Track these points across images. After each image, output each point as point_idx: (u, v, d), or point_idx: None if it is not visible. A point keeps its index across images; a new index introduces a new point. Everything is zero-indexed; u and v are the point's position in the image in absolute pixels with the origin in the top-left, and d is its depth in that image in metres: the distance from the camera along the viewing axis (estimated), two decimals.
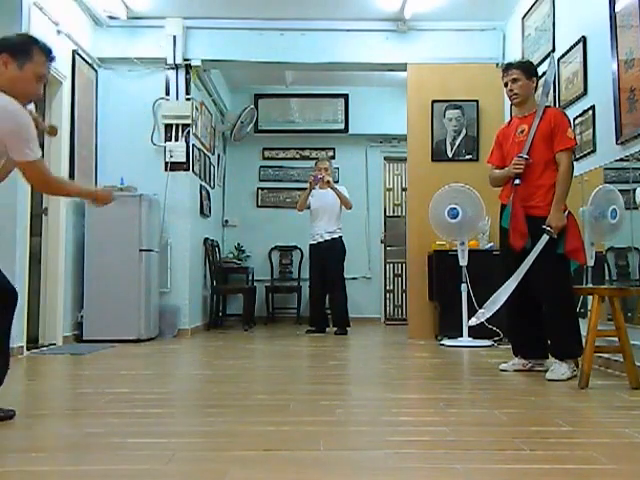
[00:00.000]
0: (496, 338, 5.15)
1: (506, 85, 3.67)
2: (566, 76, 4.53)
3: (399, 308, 8.44)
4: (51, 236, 5.18)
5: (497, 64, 5.94)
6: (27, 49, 2.29)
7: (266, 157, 8.49)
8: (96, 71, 6.00)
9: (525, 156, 3.51)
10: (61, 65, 5.23)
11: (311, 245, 6.57)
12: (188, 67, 6.12)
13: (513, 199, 3.54)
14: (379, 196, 8.52)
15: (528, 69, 3.68)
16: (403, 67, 6.08)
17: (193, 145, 6.18)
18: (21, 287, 4.50)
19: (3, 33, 4.49)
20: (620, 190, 3.64)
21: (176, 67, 6.09)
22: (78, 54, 5.53)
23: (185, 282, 6.08)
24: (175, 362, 4.56)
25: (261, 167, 8.48)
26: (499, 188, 3.77)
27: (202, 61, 6.14)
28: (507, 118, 5.34)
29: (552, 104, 4.53)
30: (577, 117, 4.28)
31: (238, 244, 8.18)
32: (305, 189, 6.67)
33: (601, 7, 3.95)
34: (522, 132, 3.60)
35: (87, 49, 5.74)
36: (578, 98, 4.32)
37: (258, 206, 8.44)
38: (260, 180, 8.45)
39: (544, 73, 4.18)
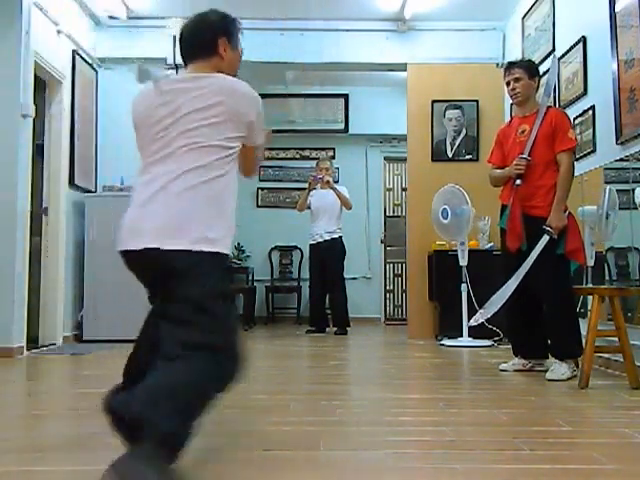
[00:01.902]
0: (496, 338, 5.15)
1: (508, 84, 3.67)
2: (566, 76, 4.53)
3: (399, 308, 8.44)
4: (51, 236, 5.18)
5: (497, 64, 5.95)
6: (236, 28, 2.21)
7: (266, 157, 8.48)
8: (96, 71, 6.00)
9: (526, 157, 3.51)
10: (61, 65, 5.23)
11: (311, 245, 6.57)
12: None
13: (513, 200, 3.54)
14: (379, 196, 8.52)
15: (530, 68, 3.68)
16: (403, 67, 6.08)
17: None
18: (21, 287, 4.51)
19: (3, 33, 4.54)
20: (620, 190, 3.65)
21: (176, 67, 6.08)
22: (78, 54, 5.53)
23: None
24: None
25: (261, 167, 8.47)
26: (499, 188, 3.77)
27: None
28: (507, 118, 5.34)
29: (552, 104, 4.53)
30: (577, 117, 4.28)
31: (238, 244, 8.18)
32: (305, 189, 6.67)
33: (601, 7, 3.95)
34: (523, 132, 3.60)
35: (87, 49, 5.74)
36: (578, 98, 4.32)
37: (258, 206, 8.44)
38: (260, 180, 8.45)
39: (544, 73, 4.18)
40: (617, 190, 3.69)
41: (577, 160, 3.98)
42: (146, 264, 1.87)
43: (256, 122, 1.98)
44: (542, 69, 4.50)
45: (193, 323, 1.74)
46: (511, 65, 3.71)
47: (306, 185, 6.67)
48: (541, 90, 3.83)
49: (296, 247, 8.16)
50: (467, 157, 5.96)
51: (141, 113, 2.05)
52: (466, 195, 5.21)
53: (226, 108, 1.88)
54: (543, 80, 3.89)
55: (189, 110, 1.88)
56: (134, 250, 1.85)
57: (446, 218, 5.24)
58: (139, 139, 2.05)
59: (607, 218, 3.51)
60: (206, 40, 2.07)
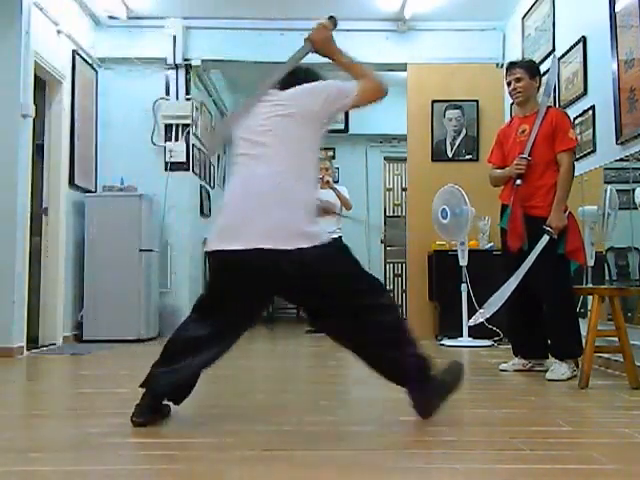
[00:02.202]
0: (496, 338, 5.15)
1: (509, 84, 3.66)
2: (566, 76, 4.53)
3: (399, 308, 8.43)
4: (51, 236, 5.18)
5: (497, 64, 5.96)
6: None
7: None
8: (96, 71, 6.00)
9: (527, 157, 3.51)
10: (61, 65, 5.23)
11: None
12: (188, 67, 6.12)
13: (513, 200, 3.53)
14: (379, 196, 8.52)
15: (531, 69, 3.68)
16: (403, 67, 6.07)
17: (193, 145, 6.18)
18: (21, 287, 4.51)
19: (3, 33, 4.54)
20: (620, 190, 3.65)
21: (176, 67, 6.09)
22: (78, 54, 5.53)
23: (185, 282, 6.08)
24: None
25: None
26: (499, 188, 3.77)
27: (202, 61, 6.14)
28: (507, 118, 5.35)
29: (552, 104, 4.53)
30: (577, 117, 4.28)
31: None
32: None
33: (601, 7, 3.95)
34: (523, 132, 3.60)
35: (87, 49, 5.74)
36: (578, 98, 4.32)
37: None
38: None
39: (544, 73, 4.18)
40: (617, 190, 3.69)
41: (577, 160, 3.99)
42: (257, 264, 2.10)
43: (323, 108, 2.30)
44: (542, 69, 4.49)
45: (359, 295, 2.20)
46: (512, 65, 3.71)
47: None
48: (541, 90, 3.83)
49: None
50: (467, 157, 5.96)
51: (243, 124, 2.36)
52: (465, 195, 5.20)
53: (297, 110, 2.28)
54: (543, 80, 3.89)
55: (273, 115, 2.27)
56: (238, 250, 2.10)
57: (445, 218, 5.23)
58: (240, 144, 2.34)
59: (607, 218, 3.52)
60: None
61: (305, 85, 2.36)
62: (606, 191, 3.64)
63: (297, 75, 2.50)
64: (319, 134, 2.31)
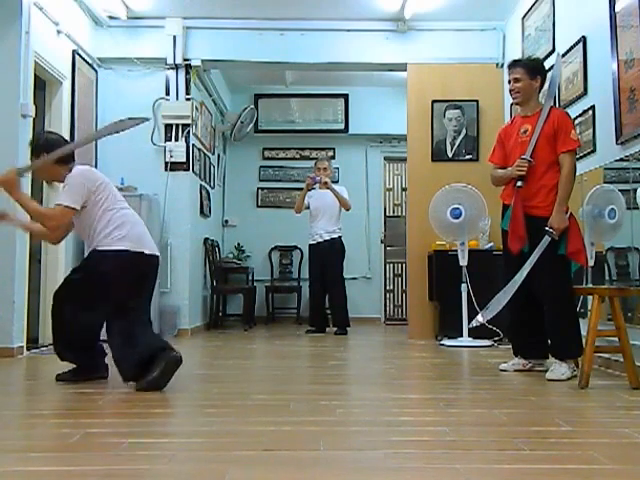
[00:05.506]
0: (496, 338, 5.15)
1: (509, 82, 3.67)
2: (566, 76, 4.53)
3: (399, 308, 8.44)
4: None
5: (497, 64, 5.96)
6: None
7: (266, 157, 8.49)
8: (96, 71, 6.00)
9: (529, 158, 3.50)
10: (61, 65, 5.23)
11: (310, 245, 6.57)
12: (188, 67, 6.12)
13: (515, 201, 3.53)
14: (379, 196, 8.52)
15: (533, 69, 3.63)
16: (403, 67, 6.08)
17: (193, 145, 6.18)
18: (21, 287, 4.50)
19: (3, 33, 4.54)
20: (620, 190, 3.65)
21: (176, 67, 6.09)
22: (78, 54, 5.53)
23: (185, 282, 6.08)
24: None
25: (261, 167, 8.48)
26: (500, 188, 3.77)
27: (202, 61, 6.14)
28: (507, 118, 5.35)
29: (553, 104, 4.52)
30: (577, 117, 4.28)
31: (238, 244, 8.18)
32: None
33: (601, 7, 3.95)
34: (525, 132, 3.59)
35: (87, 49, 5.74)
36: (578, 98, 4.32)
37: (258, 206, 8.44)
38: (260, 180, 8.46)
39: (547, 71, 4.17)
40: (617, 190, 3.69)
41: (577, 160, 3.99)
42: None
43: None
44: None
45: None
46: (514, 64, 3.69)
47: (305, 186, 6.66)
48: (544, 88, 3.81)
49: (296, 247, 8.16)
50: (467, 157, 5.96)
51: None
52: (480, 194, 5.15)
53: None
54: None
55: None
56: None
57: (457, 218, 5.18)
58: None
59: (602, 218, 3.52)
60: None
61: None
62: (593, 191, 3.63)
63: None
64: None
